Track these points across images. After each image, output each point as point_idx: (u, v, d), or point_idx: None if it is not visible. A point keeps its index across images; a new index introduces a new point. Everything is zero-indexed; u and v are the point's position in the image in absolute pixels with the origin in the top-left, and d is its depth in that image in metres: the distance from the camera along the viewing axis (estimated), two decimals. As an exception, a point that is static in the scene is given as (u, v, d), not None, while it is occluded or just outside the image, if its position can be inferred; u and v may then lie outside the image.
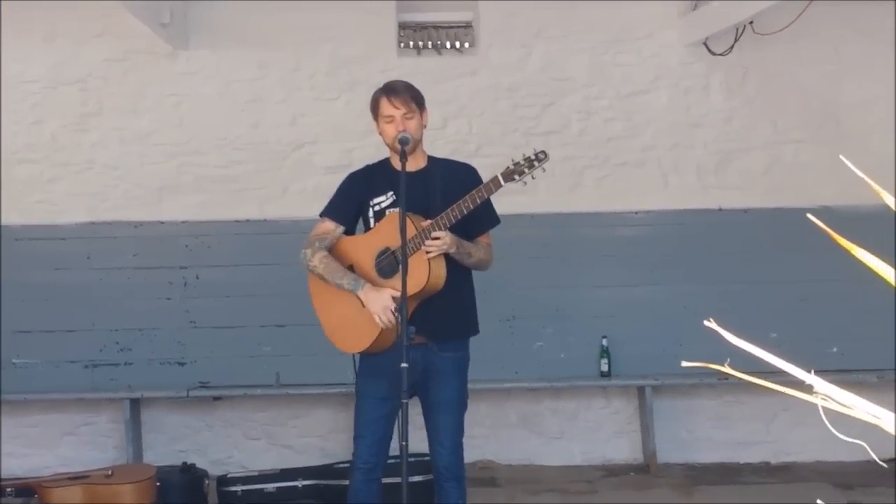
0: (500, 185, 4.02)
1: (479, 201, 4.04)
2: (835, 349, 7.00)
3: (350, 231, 4.46)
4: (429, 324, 4.10)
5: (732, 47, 7.24)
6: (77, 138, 7.26)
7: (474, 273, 4.43)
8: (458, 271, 4.25)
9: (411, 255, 4.01)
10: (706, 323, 1.56)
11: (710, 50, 7.33)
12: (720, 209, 7.31)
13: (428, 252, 4.04)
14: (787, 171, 7.34)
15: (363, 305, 4.15)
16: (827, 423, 1.52)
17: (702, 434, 7.26)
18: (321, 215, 4.44)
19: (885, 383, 6.74)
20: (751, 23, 7.00)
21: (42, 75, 7.24)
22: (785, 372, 1.44)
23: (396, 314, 3.99)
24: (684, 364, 1.75)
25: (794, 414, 7.03)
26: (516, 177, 4.02)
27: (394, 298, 4.04)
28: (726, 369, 1.56)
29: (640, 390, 7.14)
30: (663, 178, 7.38)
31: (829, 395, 1.42)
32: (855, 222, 6.00)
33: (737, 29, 7.12)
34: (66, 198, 7.21)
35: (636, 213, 7.33)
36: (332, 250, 4.36)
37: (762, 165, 7.39)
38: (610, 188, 7.34)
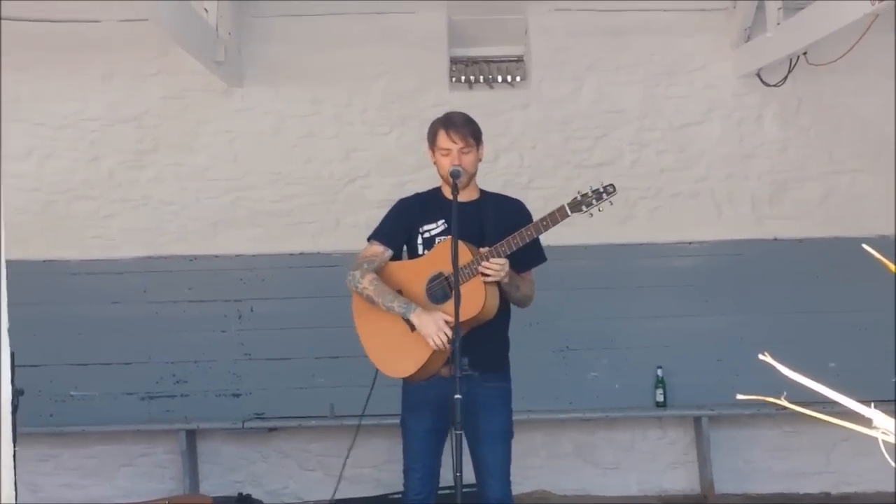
0: (567, 216, 4.23)
1: (542, 230, 4.26)
2: (893, 379, 7.27)
3: (397, 257, 4.66)
4: (472, 354, 4.23)
5: (786, 78, 7.55)
6: (133, 174, 7.71)
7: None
8: (506, 303, 4.48)
9: (465, 281, 4.21)
10: (761, 357, 1.65)
11: (763, 81, 7.66)
12: (775, 239, 7.63)
13: (485, 275, 4.23)
14: (843, 201, 7.64)
15: (412, 329, 4.34)
16: (886, 455, 1.58)
17: (760, 464, 7.50)
18: (370, 238, 4.67)
19: (944, 412, 7.11)
20: (804, 53, 7.30)
21: (100, 113, 7.72)
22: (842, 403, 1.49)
23: (450, 336, 4.18)
24: (740, 397, 1.86)
25: (855, 444, 7.28)
26: (583, 208, 4.23)
27: (447, 322, 4.22)
28: (782, 402, 1.64)
29: (697, 420, 7.40)
30: (717, 208, 7.70)
31: (888, 429, 1.49)
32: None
33: (790, 60, 7.41)
34: (123, 233, 7.65)
35: (690, 243, 7.65)
36: (382, 275, 4.55)
37: (817, 195, 7.69)
38: (663, 219, 7.67)
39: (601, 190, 4.24)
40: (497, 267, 4.23)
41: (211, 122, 7.81)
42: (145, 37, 7.49)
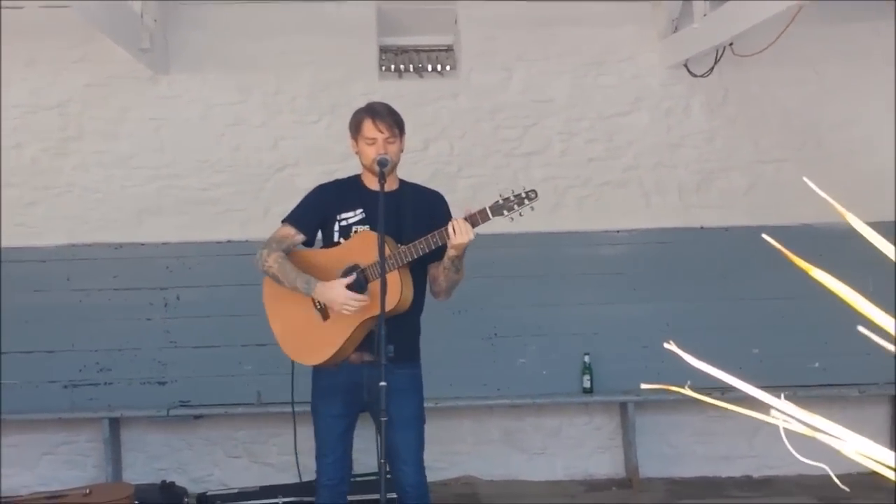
0: (489, 219, 4.29)
1: (459, 231, 4.26)
2: (817, 364, 7.52)
3: (310, 243, 4.75)
4: (389, 344, 4.29)
5: (713, 69, 7.81)
6: (57, 162, 7.76)
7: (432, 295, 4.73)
8: (418, 296, 4.58)
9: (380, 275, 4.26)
10: (666, 345, 1.67)
11: (690, 72, 7.91)
12: (701, 228, 7.87)
13: (455, 231, 4.24)
14: (768, 191, 7.91)
15: (324, 318, 4.48)
16: (787, 442, 1.56)
17: (684, 449, 7.74)
18: (283, 221, 4.76)
19: (866, 398, 7.37)
20: (731, 44, 7.53)
21: (22, 100, 7.75)
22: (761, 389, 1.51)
23: (366, 299, 4.33)
24: (643, 386, 1.92)
25: (777, 428, 7.57)
26: (505, 212, 4.27)
27: (348, 286, 4.36)
28: (686, 391, 1.66)
29: (623, 406, 7.64)
30: (645, 197, 7.94)
31: (791, 416, 1.47)
32: (834, 240, 6.74)
33: (717, 51, 7.64)
34: (46, 220, 7.69)
35: (618, 231, 7.87)
36: (292, 259, 4.64)
37: (743, 185, 7.96)
38: (591, 208, 7.88)
39: (523, 195, 4.29)
40: (464, 229, 4.27)
41: (136, 109, 7.88)
42: (69, 23, 7.51)
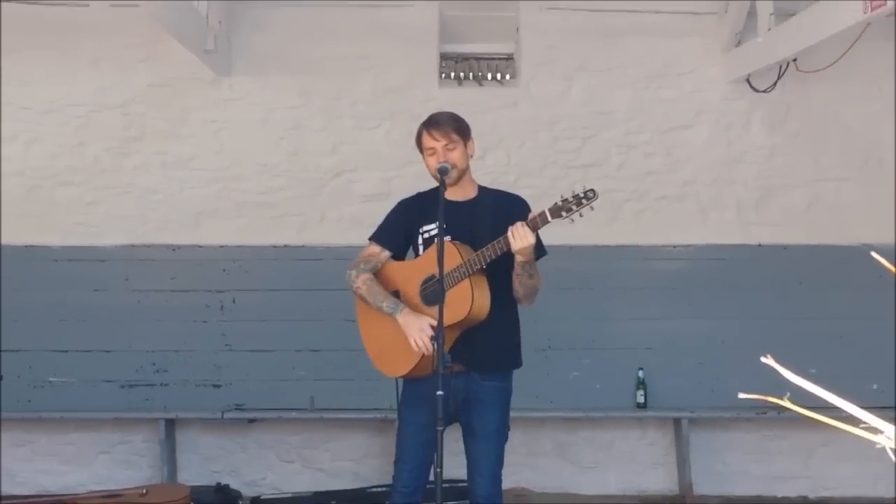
0: (548, 221, 4.26)
1: (517, 236, 4.24)
2: (874, 386, 7.45)
3: (398, 257, 4.77)
4: (470, 354, 4.43)
5: (775, 84, 7.78)
6: (119, 162, 7.88)
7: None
8: (503, 303, 4.53)
9: (455, 284, 4.32)
10: (763, 360, 1.67)
11: (752, 87, 7.88)
12: (759, 245, 7.86)
13: (513, 236, 4.21)
14: (828, 209, 7.88)
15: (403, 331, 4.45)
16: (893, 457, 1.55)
17: (739, 467, 7.72)
18: (369, 239, 4.79)
19: (922, 421, 7.34)
20: (794, 60, 7.50)
21: (87, 99, 7.88)
22: (835, 409, 1.57)
23: (433, 341, 4.29)
24: (741, 396, 1.87)
25: (833, 449, 7.50)
26: (564, 213, 4.21)
27: (431, 326, 4.33)
28: (786, 403, 1.64)
29: (677, 422, 7.63)
30: (702, 213, 7.93)
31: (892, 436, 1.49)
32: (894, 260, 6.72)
33: (780, 66, 7.64)
34: (106, 220, 7.82)
35: (675, 247, 7.88)
36: (379, 275, 4.69)
37: (803, 202, 7.92)
38: (648, 222, 7.90)
39: (581, 195, 4.25)
40: (521, 233, 4.24)
41: (198, 111, 7.98)
42: (135, 23, 7.65)
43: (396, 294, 4.61)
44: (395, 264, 4.76)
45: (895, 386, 7.16)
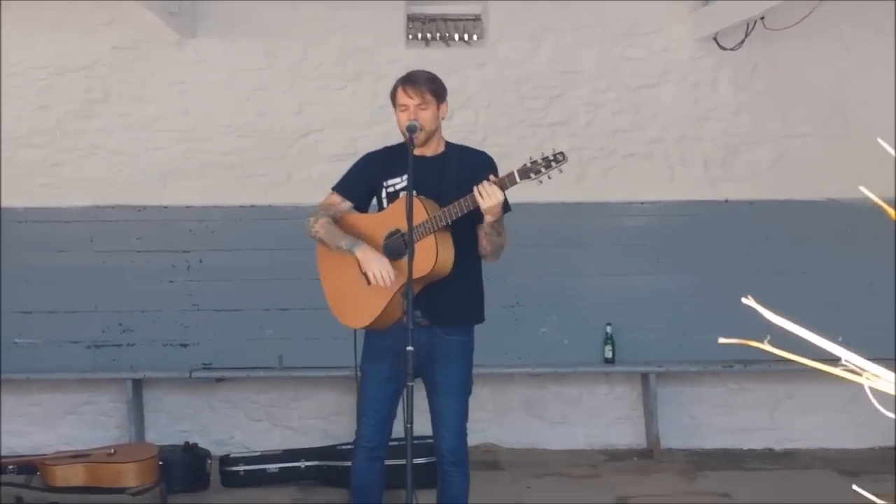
0: (516, 182, 4.28)
1: (486, 195, 4.27)
2: (840, 339, 7.48)
3: (360, 209, 4.78)
4: (434, 308, 4.43)
5: (742, 42, 7.77)
6: (82, 124, 7.79)
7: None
8: (467, 258, 4.57)
9: (420, 239, 4.32)
10: (744, 300, 1.65)
11: (719, 45, 7.86)
12: (726, 201, 7.87)
13: (481, 195, 4.25)
14: (794, 165, 7.90)
15: (369, 283, 4.45)
16: (877, 403, 1.55)
17: (705, 420, 7.78)
18: (332, 189, 4.80)
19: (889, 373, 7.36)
20: (761, 18, 7.52)
21: (49, 62, 7.77)
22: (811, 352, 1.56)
23: (392, 276, 4.37)
24: (721, 341, 1.82)
25: (799, 401, 7.60)
26: (532, 175, 4.25)
27: (386, 250, 4.42)
28: (767, 347, 1.63)
29: (644, 377, 7.66)
30: (670, 169, 7.93)
31: (877, 375, 1.47)
32: (860, 216, 6.75)
33: (747, 24, 7.62)
34: (70, 182, 7.74)
35: (642, 203, 7.88)
36: (341, 224, 4.67)
37: (769, 159, 7.94)
38: (616, 179, 7.88)
39: (551, 158, 4.27)
40: (491, 192, 4.26)
41: (162, 73, 7.90)
42: (98, -16, 7.59)
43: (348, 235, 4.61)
44: (358, 216, 4.76)
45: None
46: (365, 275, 4.51)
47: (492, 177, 4.33)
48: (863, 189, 1.65)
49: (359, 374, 4.75)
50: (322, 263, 4.78)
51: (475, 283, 4.76)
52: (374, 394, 4.67)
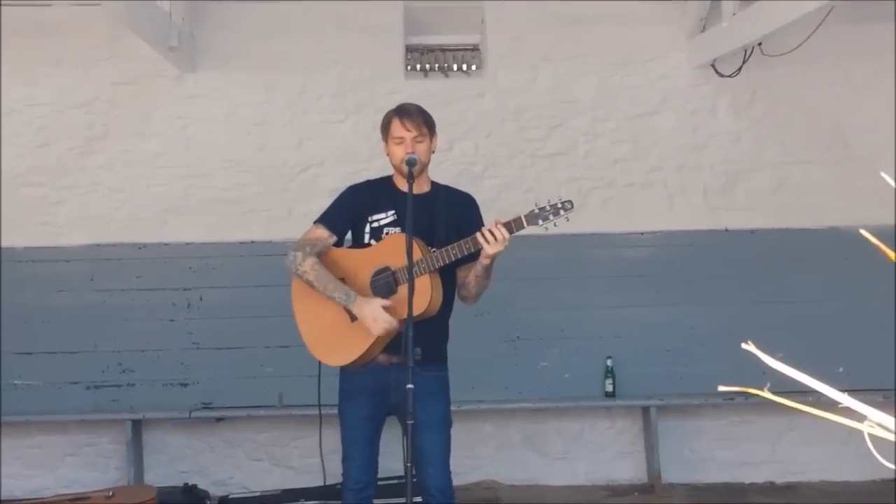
0: (523, 227, 4.20)
1: (497, 238, 4.20)
2: (841, 369, 7.33)
3: (339, 243, 4.65)
4: (414, 345, 4.23)
5: (741, 69, 7.72)
6: (83, 161, 7.77)
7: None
8: (448, 299, 4.51)
9: (414, 278, 4.18)
10: (744, 346, 1.63)
11: (717, 72, 7.82)
12: (727, 230, 7.79)
13: (487, 240, 4.16)
14: (795, 192, 7.81)
15: (352, 320, 4.36)
16: (872, 448, 1.52)
17: (707, 454, 7.67)
18: (316, 222, 4.64)
19: (890, 403, 7.24)
20: (759, 44, 7.45)
21: (49, 99, 7.76)
22: (811, 393, 1.50)
23: (396, 324, 4.25)
24: (721, 388, 1.77)
25: (800, 434, 7.48)
26: (540, 221, 4.20)
27: (385, 308, 4.28)
28: (767, 394, 1.60)
29: (645, 410, 7.57)
30: (670, 199, 7.86)
31: (879, 423, 1.45)
32: (861, 244, 6.64)
33: (745, 51, 7.56)
34: (70, 220, 7.71)
35: (642, 234, 7.81)
36: (324, 260, 4.54)
37: (769, 186, 7.85)
38: (616, 209, 7.81)
39: (559, 205, 4.24)
40: (500, 237, 4.19)
41: (162, 108, 7.88)
42: (97, 21, 7.57)
43: (342, 281, 4.50)
44: (341, 251, 4.65)
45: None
46: (350, 311, 4.42)
47: (498, 221, 4.23)
48: (864, 233, 1.65)
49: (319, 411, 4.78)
50: (298, 299, 4.65)
51: (447, 321, 4.67)
52: (355, 436, 4.62)
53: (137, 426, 7.51)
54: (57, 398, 7.56)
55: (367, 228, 4.57)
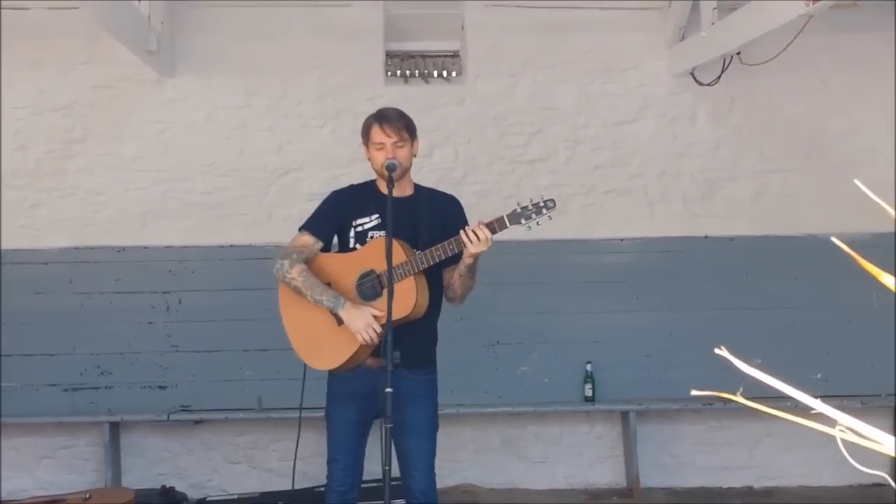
0: (505, 227, 4.24)
1: (480, 238, 4.22)
2: (819, 375, 7.41)
3: (326, 248, 4.68)
4: (401, 349, 4.24)
5: (720, 77, 7.73)
6: (61, 164, 7.70)
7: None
8: (434, 300, 4.52)
9: (399, 281, 4.24)
10: (717, 351, 1.63)
11: (697, 80, 7.84)
12: (706, 237, 7.81)
13: (470, 239, 4.19)
14: (773, 200, 7.85)
15: (339, 323, 4.38)
16: (846, 453, 1.52)
17: (685, 459, 7.69)
18: (302, 228, 4.67)
19: (868, 409, 7.29)
20: (738, 53, 7.46)
21: (28, 101, 7.70)
22: (786, 399, 1.50)
23: (379, 332, 4.27)
24: (694, 393, 1.79)
25: (778, 439, 7.50)
26: (522, 220, 4.24)
27: (376, 317, 4.30)
28: (738, 399, 1.59)
29: (624, 415, 7.57)
30: (649, 206, 7.87)
31: (850, 427, 1.45)
32: (839, 251, 6.68)
33: (724, 59, 7.56)
34: (49, 223, 7.64)
35: (622, 240, 7.81)
36: (310, 266, 4.57)
37: (748, 194, 7.89)
38: (596, 216, 7.82)
39: (541, 204, 4.27)
40: (483, 237, 4.22)
41: (142, 111, 7.83)
42: (75, 24, 7.51)
43: (328, 286, 4.52)
44: (326, 256, 4.67)
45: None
46: (338, 315, 4.43)
47: (481, 221, 4.26)
48: (836, 241, 1.64)
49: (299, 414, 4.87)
50: (285, 304, 4.67)
51: (435, 323, 4.71)
52: (341, 438, 4.63)
53: (115, 428, 7.45)
54: (34, 400, 7.49)
55: (352, 233, 4.60)
